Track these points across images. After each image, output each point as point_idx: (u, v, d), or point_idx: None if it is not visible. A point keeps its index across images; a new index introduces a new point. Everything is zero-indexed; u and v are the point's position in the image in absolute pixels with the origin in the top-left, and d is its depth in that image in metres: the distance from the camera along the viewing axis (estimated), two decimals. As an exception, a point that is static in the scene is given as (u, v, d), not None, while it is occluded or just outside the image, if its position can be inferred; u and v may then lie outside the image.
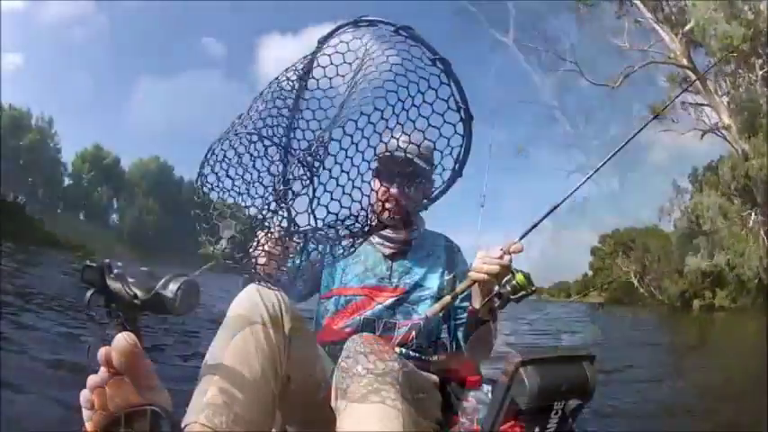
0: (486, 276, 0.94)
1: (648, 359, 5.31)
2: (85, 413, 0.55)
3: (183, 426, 0.69)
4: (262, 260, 0.76)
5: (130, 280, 0.59)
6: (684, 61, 15.11)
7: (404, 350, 1.10)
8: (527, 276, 0.93)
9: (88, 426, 0.55)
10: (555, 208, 0.99)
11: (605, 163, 1.11)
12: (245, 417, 0.73)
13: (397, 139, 0.73)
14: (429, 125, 0.67)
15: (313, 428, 0.94)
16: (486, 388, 0.87)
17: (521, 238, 0.98)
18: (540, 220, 0.99)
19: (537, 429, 0.74)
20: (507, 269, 0.94)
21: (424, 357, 1.11)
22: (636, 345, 6.92)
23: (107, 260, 0.60)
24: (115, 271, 0.59)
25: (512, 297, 0.93)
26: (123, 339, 0.53)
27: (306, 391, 0.91)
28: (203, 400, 0.72)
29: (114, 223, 44.07)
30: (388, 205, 0.88)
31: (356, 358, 0.79)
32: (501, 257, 0.95)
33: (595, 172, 1.12)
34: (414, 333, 1.08)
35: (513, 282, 0.93)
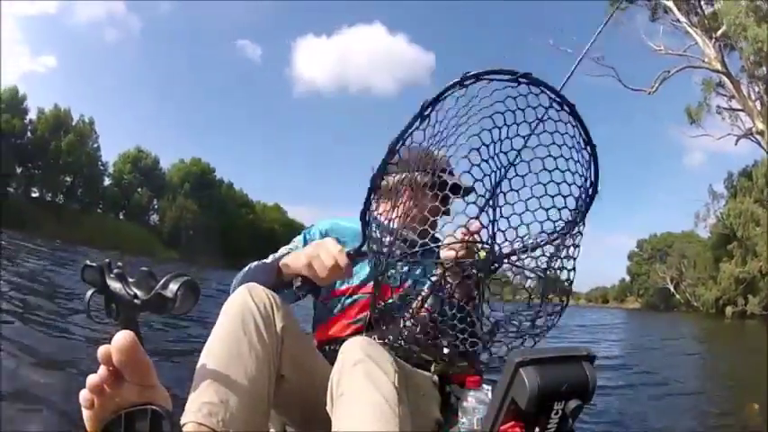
0: (451, 262, 0.95)
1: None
2: (85, 413, 0.55)
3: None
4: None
5: (130, 280, 0.59)
6: (718, 66, 14.79)
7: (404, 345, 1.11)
8: (487, 251, 0.93)
9: (88, 425, 0.55)
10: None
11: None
12: (239, 416, 0.74)
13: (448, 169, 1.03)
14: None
15: (312, 429, 0.94)
16: (486, 388, 0.88)
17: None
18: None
19: (537, 429, 0.74)
20: (470, 250, 0.95)
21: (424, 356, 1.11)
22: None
23: (107, 260, 0.60)
24: (115, 271, 0.59)
25: (479, 275, 0.92)
26: (123, 337, 0.53)
27: (302, 391, 0.92)
28: (198, 400, 0.72)
29: (155, 223, 44.52)
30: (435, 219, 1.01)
31: (351, 360, 0.80)
32: (462, 240, 0.95)
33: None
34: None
35: (478, 260, 0.93)
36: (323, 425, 0.83)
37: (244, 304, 0.86)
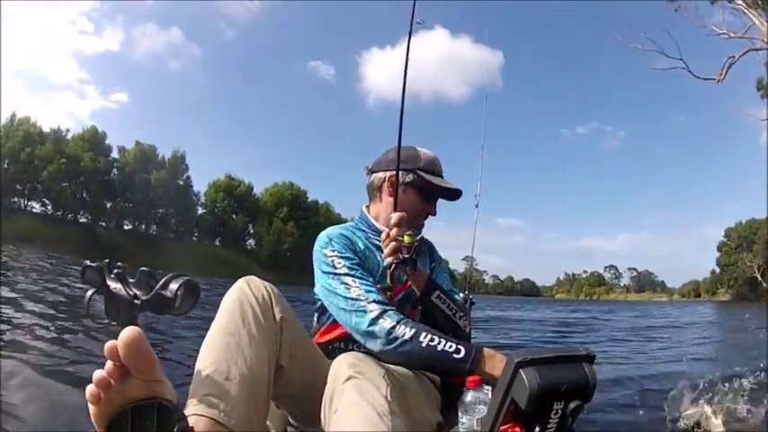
0: (392, 260, 1.07)
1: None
2: (92, 408, 0.56)
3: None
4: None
5: (131, 280, 0.59)
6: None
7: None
8: (410, 234, 1.10)
9: (94, 420, 0.56)
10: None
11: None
12: (240, 405, 0.75)
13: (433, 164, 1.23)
14: None
15: (312, 422, 0.94)
16: (487, 388, 0.88)
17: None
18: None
19: (537, 429, 0.74)
20: (396, 241, 1.07)
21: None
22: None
23: (107, 260, 0.60)
24: (115, 271, 0.59)
25: (410, 256, 1.08)
26: (129, 333, 0.53)
27: (302, 381, 0.93)
28: (199, 392, 0.73)
29: (252, 248, 45.88)
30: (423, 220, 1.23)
31: (342, 377, 0.81)
32: (387, 235, 1.09)
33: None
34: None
35: (405, 244, 1.08)
36: (319, 418, 0.83)
37: (242, 296, 0.88)
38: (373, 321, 1.00)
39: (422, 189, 1.22)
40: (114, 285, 0.59)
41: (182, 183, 43.18)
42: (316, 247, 1.17)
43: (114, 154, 40.77)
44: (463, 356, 0.95)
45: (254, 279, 0.92)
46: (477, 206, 1.68)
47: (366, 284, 1.07)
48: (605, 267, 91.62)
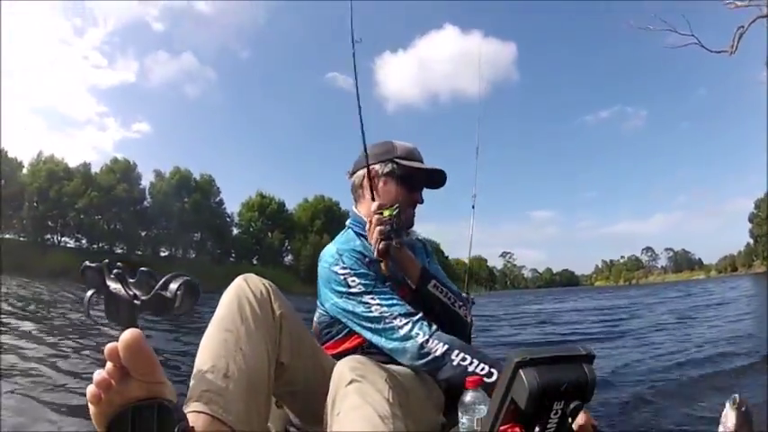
0: (381, 243, 1.09)
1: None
2: (92, 408, 0.56)
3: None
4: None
5: (130, 280, 0.59)
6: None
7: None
8: (389, 208, 1.11)
9: (95, 420, 0.56)
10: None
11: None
12: (239, 401, 0.75)
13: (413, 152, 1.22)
14: None
15: (314, 420, 0.94)
16: (487, 388, 0.87)
17: None
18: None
19: (537, 429, 0.74)
20: (380, 222, 1.09)
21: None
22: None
23: (106, 260, 0.60)
24: (115, 271, 0.59)
25: (392, 227, 1.09)
26: (130, 335, 0.53)
27: (304, 377, 0.93)
28: (198, 388, 0.73)
29: (290, 263, 46.36)
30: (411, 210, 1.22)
31: (345, 381, 0.81)
32: (370, 223, 1.11)
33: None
34: None
35: (388, 221, 1.10)
36: (321, 416, 0.84)
37: (240, 292, 0.87)
38: (405, 338, 1.00)
39: (401, 177, 1.20)
40: (114, 286, 0.59)
41: (215, 205, 43.92)
42: (323, 264, 1.14)
43: (145, 182, 41.78)
44: (496, 379, 0.90)
45: (252, 276, 0.92)
46: (473, 207, 1.67)
47: (386, 298, 1.05)
48: (642, 250, 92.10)
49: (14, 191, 35.72)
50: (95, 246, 39.47)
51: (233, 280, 0.91)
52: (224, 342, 0.80)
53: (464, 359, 0.96)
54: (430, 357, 0.97)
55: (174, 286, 0.57)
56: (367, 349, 1.07)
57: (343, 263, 1.10)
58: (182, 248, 43.11)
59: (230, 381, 0.76)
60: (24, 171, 37.78)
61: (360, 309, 1.05)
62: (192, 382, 0.75)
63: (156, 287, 0.57)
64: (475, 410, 0.85)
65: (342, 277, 1.09)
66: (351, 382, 0.80)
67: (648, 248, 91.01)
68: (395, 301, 1.05)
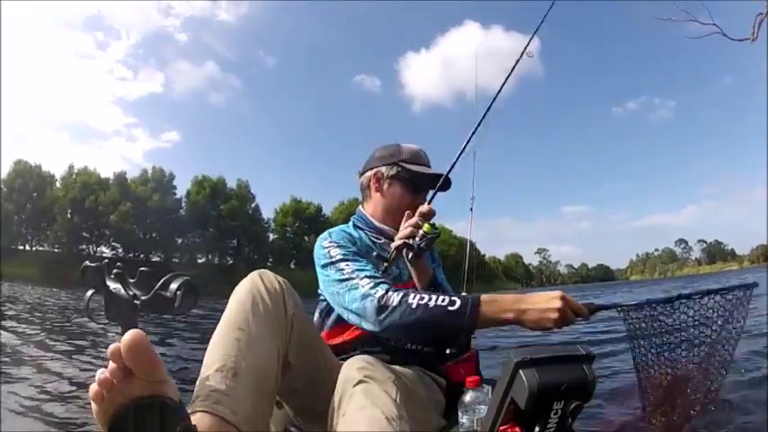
0: (401, 241, 1.09)
1: None
2: (94, 407, 0.56)
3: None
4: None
5: (130, 280, 0.59)
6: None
7: (415, 347, 1.14)
8: (431, 224, 1.10)
9: (97, 419, 0.56)
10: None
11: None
12: (247, 402, 0.74)
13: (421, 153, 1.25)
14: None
15: (315, 418, 0.94)
16: (486, 388, 0.87)
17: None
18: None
19: (537, 429, 0.74)
20: (416, 226, 1.09)
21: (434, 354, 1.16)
22: None
23: (106, 260, 0.60)
24: (114, 271, 0.59)
25: (420, 244, 1.08)
26: (133, 335, 0.53)
27: (309, 378, 0.92)
28: (206, 388, 0.72)
29: None
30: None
31: (352, 381, 0.80)
32: (408, 218, 1.12)
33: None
34: None
35: (422, 232, 1.09)
36: (325, 415, 0.83)
37: (254, 289, 0.86)
38: (364, 296, 0.97)
39: (406, 180, 1.23)
40: (114, 286, 0.59)
41: (250, 211, 44.47)
42: (316, 246, 1.17)
43: (180, 190, 42.65)
44: (459, 307, 0.89)
45: (267, 272, 0.90)
46: (471, 209, 1.68)
47: (359, 265, 1.06)
48: (675, 242, 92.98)
49: (47, 203, 36.73)
50: (131, 254, 40.26)
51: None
52: (236, 341, 0.78)
53: (422, 298, 0.93)
54: (389, 309, 0.93)
55: (173, 286, 0.57)
56: (366, 346, 1.07)
57: (331, 238, 1.15)
58: (219, 255, 43.76)
59: (239, 380, 0.74)
60: (57, 184, 38.69)
61: (336, 275, 1.05)
62: (199, 380, 0.74)
63: (156, 287, 0.57)
64: (475, 410, 0.85)
65: (326, 250, 1.11)
66: (358, 383, 0.79)
67: (682, 240, 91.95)
68: (367, 269, 1.05)
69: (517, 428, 0.74)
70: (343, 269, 1.05)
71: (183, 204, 42.27)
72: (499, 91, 1.33)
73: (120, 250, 40.16)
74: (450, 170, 1.23)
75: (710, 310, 1.01)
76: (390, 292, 0.95)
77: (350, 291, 1.01)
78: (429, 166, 1.27)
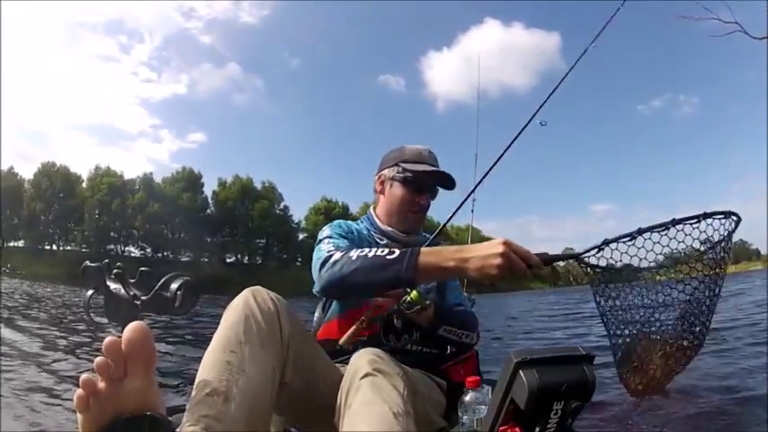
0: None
1: None
2: (79, 416, 0.53)
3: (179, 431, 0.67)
4: None
5: (131, 280, 0.59)
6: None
7: (416, 348, 1.16)
8: (419, 292, 1.06)
9: (82, 430, 0.54)
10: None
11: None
12: (241, 421, 0.71)
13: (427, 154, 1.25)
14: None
15: (314, 424, 0.93)
16: (486, 388, 0.87)
17: None
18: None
19: (537, 429, 0.74)
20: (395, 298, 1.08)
21: (435, 354, 1.18)
22: None
23: (107, 260, 0.60)
24: (115, 271, 0.59)
25: (406, 312, 1.07)
26: (136, 326, 0.53)
27: (306, 395, 0.90)
28: (197, 412, 0.69)
29: None
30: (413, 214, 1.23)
31: (360, 373, 0.80)
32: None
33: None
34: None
35: (408, 298, 1.06)
36: (325, 417, 0.82)
37: (247, 309, 0.81)
38: (317, 258, 1.02)
39: (407, 180, 1.23)
40: (114, 286, 0.59)
41: (280, 212, 44.84)
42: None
43: (208, 191, 42.91)
44: (398, 255, 0.90)
45: (260, 290, 0.86)
46: (472, 211, 1.70)
47: (338, 242, 1.09)
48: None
49: (74, 204, 36.97)
50: (160, 254, 40.50)
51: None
52: (227, 364, 0.74)
53: (362, 251, 0.95)
54: (330, 263, 0.97)
55: (174, 286, 0.57)
56: (366, 346, 1.07)
57: (330, 227, 1.21)
58: (248, 254, 43.89)
59: (231, 405, 0.71)
60: (84, 185, 39.05)
61: (316, 254, 1.08)
62: (190, 403, 0.71)
63: (156, 287, 0.57)
64: (475, 410, 0.85)
65: (320, 234, 1.18)
66: (366, 375, 0.78)
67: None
68: (342, 245, 1.09)
69: (517, 429, 0.74)
70: (322, 249, 1.07)
71: (211, 203, 42.57)
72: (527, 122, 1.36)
73: (148, 250, 40.43)
74: (480, 181, 1.29)
75: (682, 244, 0.89)
76: (338, 252, 0.99)
77: (318, 260, 1.03)
78: (435, 166, 1.25)
